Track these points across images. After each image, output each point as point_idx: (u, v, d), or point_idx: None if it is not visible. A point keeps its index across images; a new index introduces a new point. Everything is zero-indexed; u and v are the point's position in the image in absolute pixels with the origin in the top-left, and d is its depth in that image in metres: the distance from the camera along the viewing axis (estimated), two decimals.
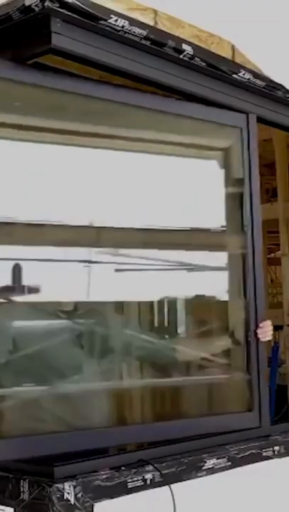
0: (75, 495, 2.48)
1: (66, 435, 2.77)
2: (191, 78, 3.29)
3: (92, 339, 3.47)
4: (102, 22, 2.76)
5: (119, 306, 3.89)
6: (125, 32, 2.86)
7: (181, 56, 3.14)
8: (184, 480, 2.89)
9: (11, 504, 2.53)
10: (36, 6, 2.58)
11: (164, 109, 3.31)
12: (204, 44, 3.36)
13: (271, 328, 3.52)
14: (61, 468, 2.55)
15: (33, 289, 3.36)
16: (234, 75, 3.42)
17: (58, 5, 2.60)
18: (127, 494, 2.66)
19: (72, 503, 2.47)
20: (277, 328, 5.87)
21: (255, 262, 3.51)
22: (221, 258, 3.90)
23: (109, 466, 2.70)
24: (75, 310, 3.47)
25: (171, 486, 2.78)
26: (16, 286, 3.25)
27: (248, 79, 3.49)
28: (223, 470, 3.10)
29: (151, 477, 2.75)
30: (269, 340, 3.65)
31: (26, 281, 3.27)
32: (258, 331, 3.44)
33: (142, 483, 2.71)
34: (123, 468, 2.71)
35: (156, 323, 4.24)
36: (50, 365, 3.16)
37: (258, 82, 3.55)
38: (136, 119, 3.37)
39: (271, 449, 3.40)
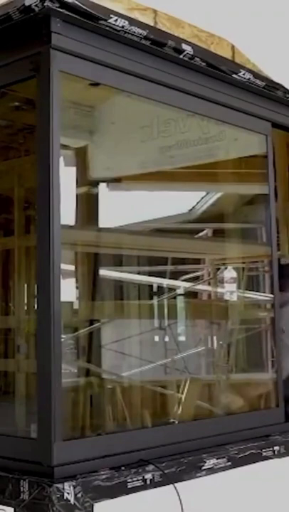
0: (75, 495, 2.48)
1: None
2: (191, 78, 3.29)
3: None
4: (102, 22, 2.76)
5: None
6: (125, 32, 2.86)
7: (181, 56, 3.14)
8: (184, 480, 2.89)
9: (11, 504, 2.53)
10: (36, 6, 2.58)
11: None
12: (204, 44, 3.37)
13: None
14: (61, 469, 2.55)
15: None
16: (234, 75, 3.43)
17: (58, 5, 2.60)
18: (127, 494, 2.66)
19: (72, 503, 2.47)
20: None
21: None
22: None
23: (109, 466, 2.70)
24: None
25: (170, 485, 2.78)
26: None
27: (248, 79, 3.49)
28: (223, 470, 3.10)
29: (151, 477, 2.75)
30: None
31: None
32: None
33: (142, 483, 2.71)
34: (123, 468, 2.71)
35: None
36: None
37: (258, 82, 3.56)
38: None
39: (271, 449, 3.40)
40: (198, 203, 6.38)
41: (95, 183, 5.07)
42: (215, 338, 5.55)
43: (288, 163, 5.45)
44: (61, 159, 2.72)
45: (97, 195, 5.06)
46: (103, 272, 5.20)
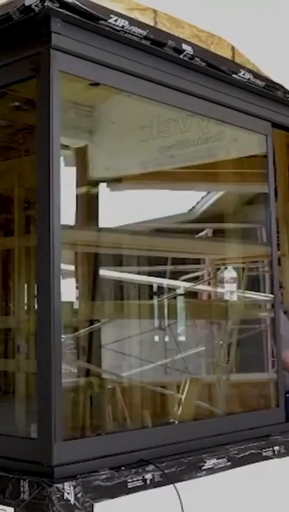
0: (75, 495, 2.48)
1: None
2: (191, 78, 3.29)
3: None
4: (102, 22, 2.76)
5: None
6: (125, 32, 2.86)
7: (181, 56, 3.14)
8: (184, 480, 2.89)
9: (11, 504, 2.53)
10: (36, 6, 2.58)
11: None
12: (204, 44, 3.37)
13: None
14: (61, 468, 2.55)
15: None
16: (234, 75, 3.43)
17: (58, 5, 2.60)
18: (127, 494, 2.66)
19: (72, 503, 2.47)
20: None
21: None
22: None
23: (109, 466, 2.70)
24: None
25: (170, 485, 2.78)
26: None
27: (248, 79, 3.49)
28: (223, 470, 3.10)
29: (151, 477, 2.75)
30: None
31: None
32: None
33: (142, 483, 2.71)
34: (123, 468, 2.71)
35: None
36: None
37: (258, 82, 3.56)
38: None
39: (271, 449, 3.39)
40: (198, 202, 6.39)
41: (95, 183, 5.07)
42: (215, 338, 5.55)
43: (288, 163, 5.45)
44: (61, 159, 2.72)
45: (97, 195, 5.06)
46: (103, 271, 5.20)
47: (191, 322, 6.01)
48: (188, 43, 3.17)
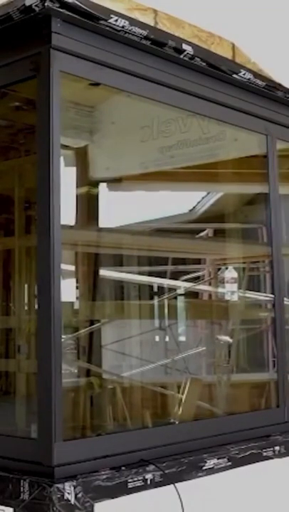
0: (76, 495, 2.48)
1: None
2: (191, 78, 3.29)
3: None
4: (102, 22, 2.76)
5: None
6: (125, 32, 2.86)
7: (181, 56, 3.14)
8: (185, 480, 2.89)
9: (10, 504, 2.53)
10: (36, 6, 2.58)
11: None
12: (204, 44, 3.37)
13: None
14: (61, 469, 2.55)
15: None
16: (234, 75, 3.43)
17: (58, 5, 2.60)
18: (128, 494, 2.66)
19: (73, 503, 2.47)
20: None
21: None
22: None
23: (109, 466, 2.70)
24: None
25: (171, 485, 2.78)
26: None
27: (248, 79, 3.49)
28: (224, 470, 3.10)
29: (152, 477, 2.75)
30: None
31: None
32: None
33: (143, 483, 2.71)
34: (123, 468, 2.71)
35: None
36: None
37: (258, 82, 3.56)
38: None
39: (271, 449, 3.40)
40: (198, 203, 6.39)
41: (95, 183, 5.08)
42: (215, 338, 5.55)
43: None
44: (61, 159, 2.72)
45: (97, 195, 5.07)
46: (103, 272, 5.19)
47: (192, 322, 6.01)
48: (189, 43, 3.17)
